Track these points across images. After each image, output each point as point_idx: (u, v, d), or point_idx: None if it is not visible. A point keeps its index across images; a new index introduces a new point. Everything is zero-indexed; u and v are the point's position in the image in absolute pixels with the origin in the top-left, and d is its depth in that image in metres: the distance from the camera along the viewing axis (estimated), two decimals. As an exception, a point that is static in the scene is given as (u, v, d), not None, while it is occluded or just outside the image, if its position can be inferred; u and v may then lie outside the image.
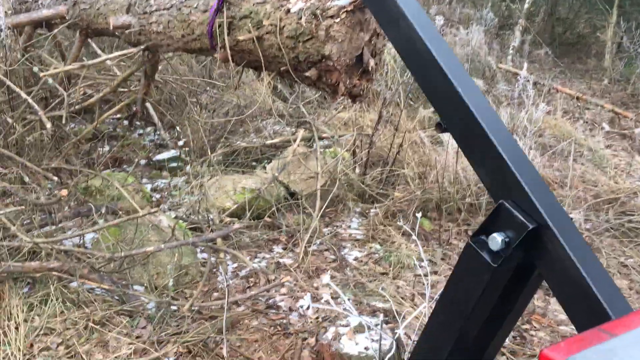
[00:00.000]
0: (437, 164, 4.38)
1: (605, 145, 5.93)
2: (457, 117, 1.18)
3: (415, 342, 1.21)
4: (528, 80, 5.62)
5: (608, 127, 6.64)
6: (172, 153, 5.03)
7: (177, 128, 5.42)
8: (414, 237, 2.84)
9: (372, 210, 4.33)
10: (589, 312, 0.92)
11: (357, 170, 4.67)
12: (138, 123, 5.66)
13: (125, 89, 5.00)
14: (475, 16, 9.94)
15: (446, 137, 4.61)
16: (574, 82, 8.74)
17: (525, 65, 6.21)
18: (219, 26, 2.80)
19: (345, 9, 2.34)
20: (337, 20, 2.36)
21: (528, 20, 10.30)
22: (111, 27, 3.51)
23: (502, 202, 1.05)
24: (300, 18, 2.46)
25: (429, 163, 4.55)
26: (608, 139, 6.28)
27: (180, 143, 5.23)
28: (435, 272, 3.57)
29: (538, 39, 9.93)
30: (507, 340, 2.95)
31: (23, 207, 3.19)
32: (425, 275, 2.62)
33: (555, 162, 5.21)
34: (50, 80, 4.05)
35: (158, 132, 5.39)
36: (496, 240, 1.02)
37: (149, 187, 4.56)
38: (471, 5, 11.50)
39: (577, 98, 7.14)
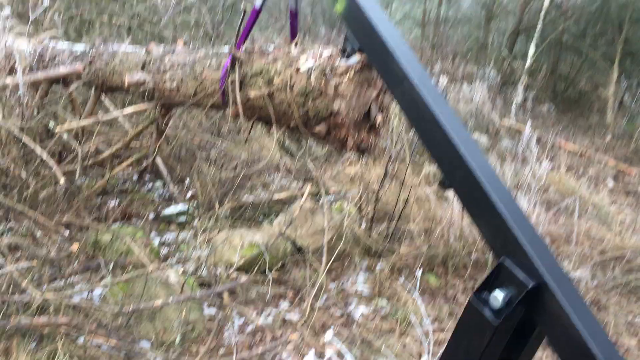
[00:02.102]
0: (443, 220, 4.40)
1: (610, 201, 5.95)
2: (458, 176, 1.22)
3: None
4: (531, 137, 5.71)
5: (612, 183, 6.68)
6: (180, 207, 5.08)
7: (187, 181, 5.50)
8: (414, 295, 2.84)
9: (378, 266, 4.33)
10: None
11: (363, 225, 4.70)
12: (147, 177, 5.75)
13: (137, 142, 5.11)
14: (478, 73, 10.17)
15: (451, 193, 4.65)
16: (577, 137, 8.84)
17: (529, 122, 6.31)
18: (231, 83, 2.91)
19: (353, 68, 2.43)
20: (346, 78, 2.44)
21: (530, 77, 10.51)
22: (126, 84, 3.64)
23: (502, 260, 1.08)
24: (310, 76, 2.56)
25: (435, 218, 4.58)
26: (613, 195, 6.31)
27: (188, 195, 5.29)
28: (442, 330, 3.54)
29: (540, 95, 10.11)
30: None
31: (34, 261, 3.22)
32: (426, 334, 2.61)
33: (561, 218, 5.23)
34: (65, 136, 4.17)
35: (167, 186, 5.47)
36: (497, 298, 1.04)
37: (157, 241, 4.59)
38: (474, 63, 11.78)
39: (581, 154, 7.21)
